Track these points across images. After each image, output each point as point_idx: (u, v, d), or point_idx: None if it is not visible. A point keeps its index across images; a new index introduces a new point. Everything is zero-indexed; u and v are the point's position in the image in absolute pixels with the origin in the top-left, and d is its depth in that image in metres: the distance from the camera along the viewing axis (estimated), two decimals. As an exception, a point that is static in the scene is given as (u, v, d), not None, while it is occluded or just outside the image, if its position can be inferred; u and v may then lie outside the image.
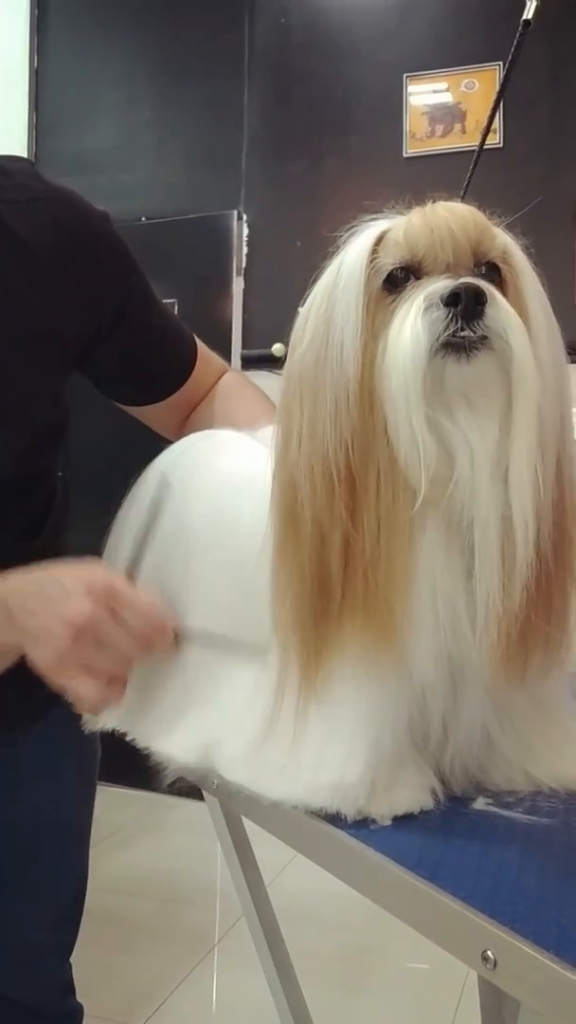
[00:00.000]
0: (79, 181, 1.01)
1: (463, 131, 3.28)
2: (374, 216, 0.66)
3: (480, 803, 0.67)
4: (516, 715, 0.68)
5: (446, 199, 0.65)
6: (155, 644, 0.75)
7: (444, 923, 0.54)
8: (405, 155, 3.34)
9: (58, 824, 1.06)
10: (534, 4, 1.14)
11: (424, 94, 3.33)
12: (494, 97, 1.38)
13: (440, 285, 0.61)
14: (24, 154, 3.84)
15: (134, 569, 0.74)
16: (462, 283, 0.60)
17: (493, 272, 0.64)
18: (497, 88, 3.06)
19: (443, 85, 3.31)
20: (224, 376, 1.09)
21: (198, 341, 1.07)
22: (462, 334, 0.60)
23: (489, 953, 0.50)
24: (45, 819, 1.04)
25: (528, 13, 1.15)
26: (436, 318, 0.60)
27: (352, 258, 0.64)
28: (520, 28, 1.15)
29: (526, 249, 0.66)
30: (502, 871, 0.58)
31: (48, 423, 0.96)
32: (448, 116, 3.30)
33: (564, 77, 3.13)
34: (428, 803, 0.66)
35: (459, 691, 0.65)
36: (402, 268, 0.63)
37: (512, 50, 1.16)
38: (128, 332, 0.98)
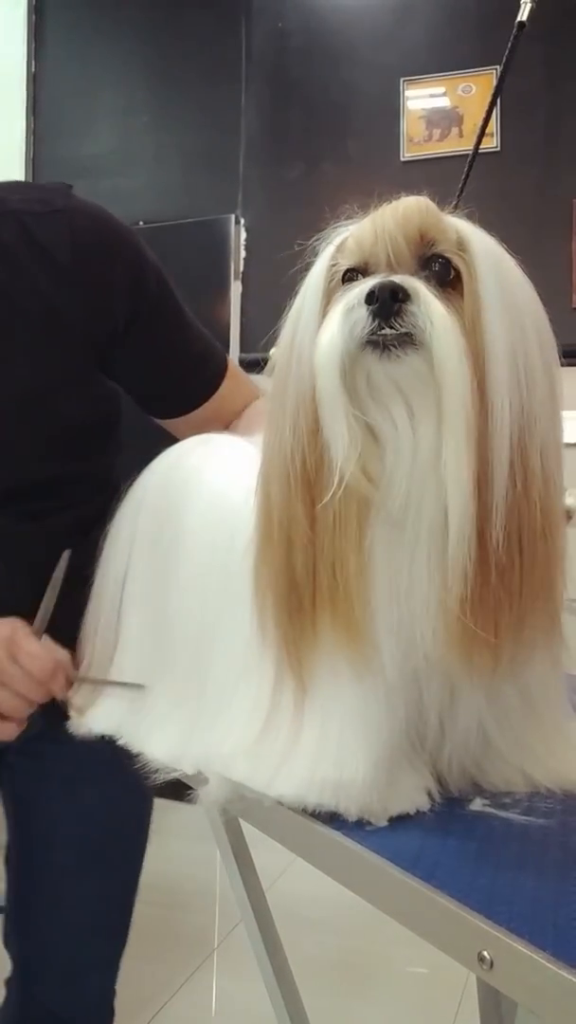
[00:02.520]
0: (77, 186, 1.02)
1: (460, 135, 3.28)
2: (347, 220, 0.67)
3: (477, 804, 0.67)
4: (513, 715, 0.68)
5: (410, 195, 0.65)
6: (50, 687, 0.86)
7: (440, 924, 0.54)
8: (403, 159, 3.35)
9: (109, 831, 1.10)
10: (528, 6, 1.15)
11: (421, 98, 3.33)
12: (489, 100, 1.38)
13: (365, 285, 0.61)
14: (22, 159, 3.86)
15: (42, 625, 0.87)
16: (378, 282, 0.60)
17: (445, 266, 0.63)
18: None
19: (440, 89, 3.31)
20: (256, 402, 1.12)
21: (233, 365, 1.11)
22: (381, 332, 0.60)
23: (485, 954, 0.50)
24: (97, 823, 1.08)
25: (522, 15, 1.15)
26: (358, 318, 0.60)
27: (318, 264, 0.66)
28: (515, 30, 1.15)
29: (517, 247, 0.65)
30: (499, 871, 0.57)
31: (79, 419, 1.02)
32: (445, 120, 3.31)
33: (561, 81, 3.14)
34: (424, 804, 0.66)
35: (455, 689, 0.65)
36: (353, 270, 0.64)
37: (507, 52, 1.16)
38: (145, 338, 1.03)
